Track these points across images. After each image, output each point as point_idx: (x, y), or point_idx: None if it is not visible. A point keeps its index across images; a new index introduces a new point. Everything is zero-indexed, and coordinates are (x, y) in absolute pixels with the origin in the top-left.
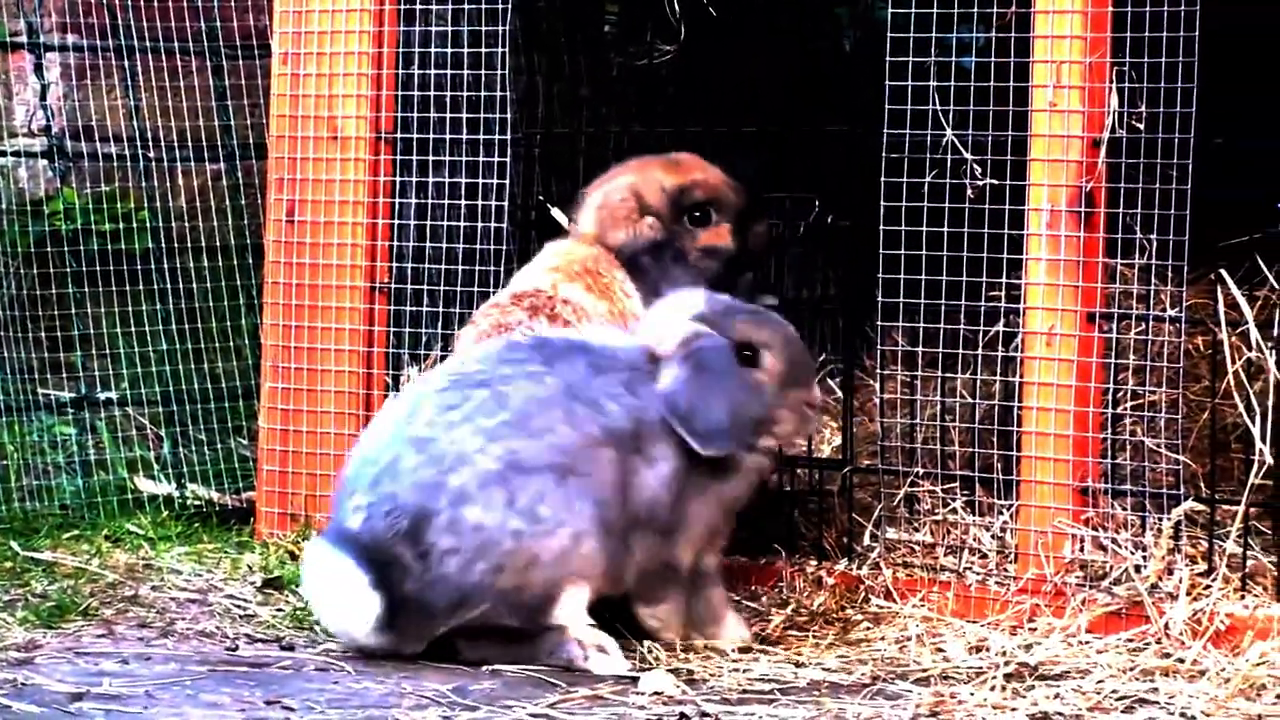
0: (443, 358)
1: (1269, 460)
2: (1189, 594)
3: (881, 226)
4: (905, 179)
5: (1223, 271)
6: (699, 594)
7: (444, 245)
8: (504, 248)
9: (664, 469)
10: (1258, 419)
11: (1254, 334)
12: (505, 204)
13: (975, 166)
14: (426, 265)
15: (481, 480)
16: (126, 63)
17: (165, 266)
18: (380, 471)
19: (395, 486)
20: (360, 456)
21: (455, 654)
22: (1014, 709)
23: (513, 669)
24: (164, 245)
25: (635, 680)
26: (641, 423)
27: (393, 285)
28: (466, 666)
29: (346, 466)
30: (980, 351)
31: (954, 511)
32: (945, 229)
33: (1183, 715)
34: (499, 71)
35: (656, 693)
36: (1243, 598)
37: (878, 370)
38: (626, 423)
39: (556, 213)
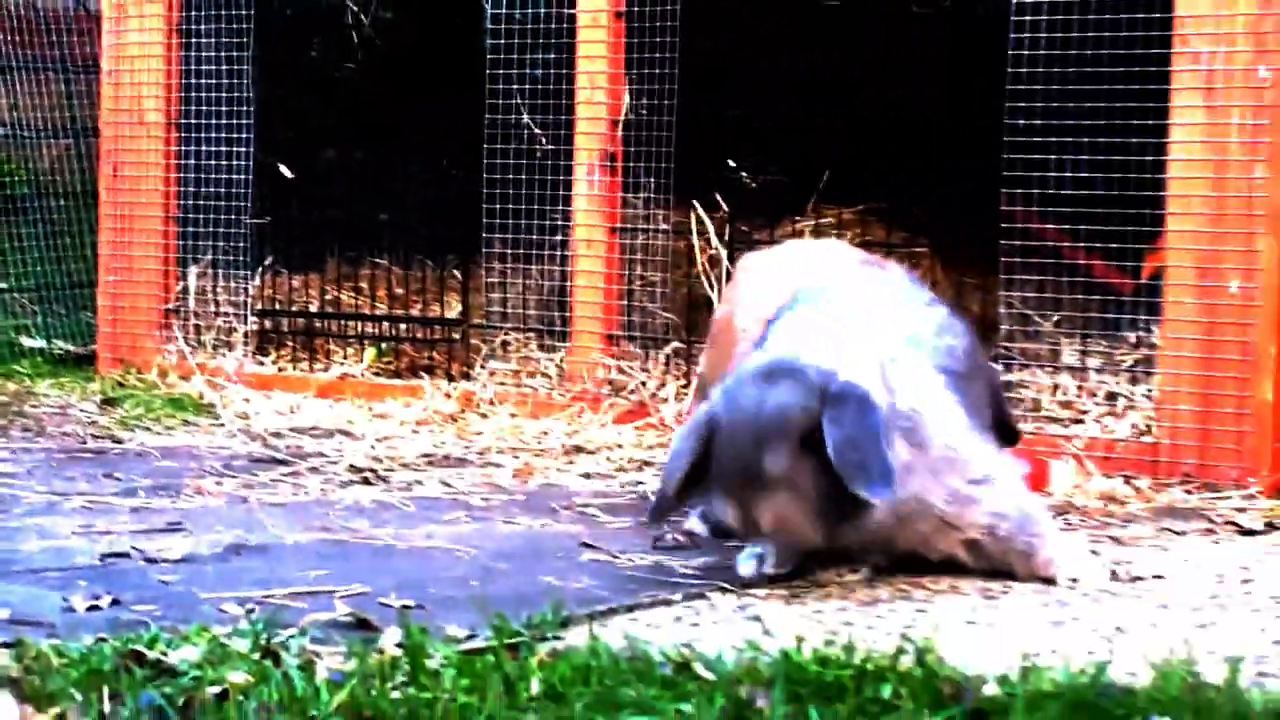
0: None
1: None
2: (675, 398)
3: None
4: None
5: (695, 202)
6: None
7: (202, 190)
8: (246, 192)
9: None
10: (717, 292)
11: (713, 239)
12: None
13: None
14: (194, 201)
15: None
16: (6, 76)
17: (37, 204)
18: None
19: None
20: None
21: None
22: (569, 471)
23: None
24: (34, 192)
25: None
26: None
27: (180, 215)
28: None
29: None
30: (547, 252)
31: (532, 350)
32: (524, 177)
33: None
34: (245, 81)
35: (353, 466)
36: None
37: (483, 265)
38: None
39: (284, 169)
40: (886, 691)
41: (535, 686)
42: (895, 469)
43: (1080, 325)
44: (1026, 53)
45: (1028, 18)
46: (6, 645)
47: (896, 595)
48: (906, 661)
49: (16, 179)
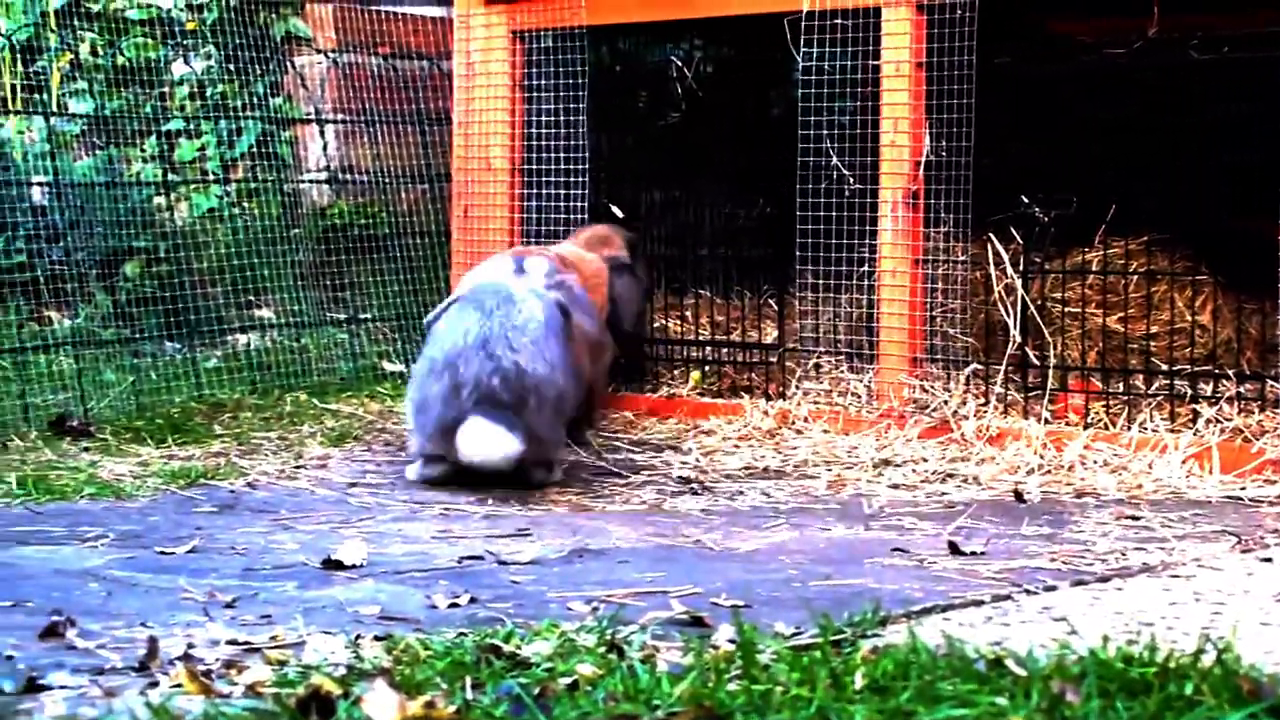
0: None
1: (1018, 340)
2: (975, 415)
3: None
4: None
5: (991, 235)
6: None
7: (543, 229)
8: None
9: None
10: (1012, 318)
11: (1009, 270)
12: (582, 204)
13: (850, 178)
14: (536, 239)
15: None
16: (371, 129)
17: (395, 244)
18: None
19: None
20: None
21: None
22: (879, 482)
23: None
24: (394, 232)
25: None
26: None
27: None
28: None
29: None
30: (855, 281)
31: (842, 372)
32: (834, 213)
33: (975, 481)
34: (580, 130)
35: (681, 478)
36: (1005, 417)
37: (797, 294)
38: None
39: (615, 209)
40: (1189, 689)
41: (859, 680)
42: None
43: None
44: None
45: None
46: (379, 638)
47: (1191, 597)
48: (1207, 660)
49: (379, 220)
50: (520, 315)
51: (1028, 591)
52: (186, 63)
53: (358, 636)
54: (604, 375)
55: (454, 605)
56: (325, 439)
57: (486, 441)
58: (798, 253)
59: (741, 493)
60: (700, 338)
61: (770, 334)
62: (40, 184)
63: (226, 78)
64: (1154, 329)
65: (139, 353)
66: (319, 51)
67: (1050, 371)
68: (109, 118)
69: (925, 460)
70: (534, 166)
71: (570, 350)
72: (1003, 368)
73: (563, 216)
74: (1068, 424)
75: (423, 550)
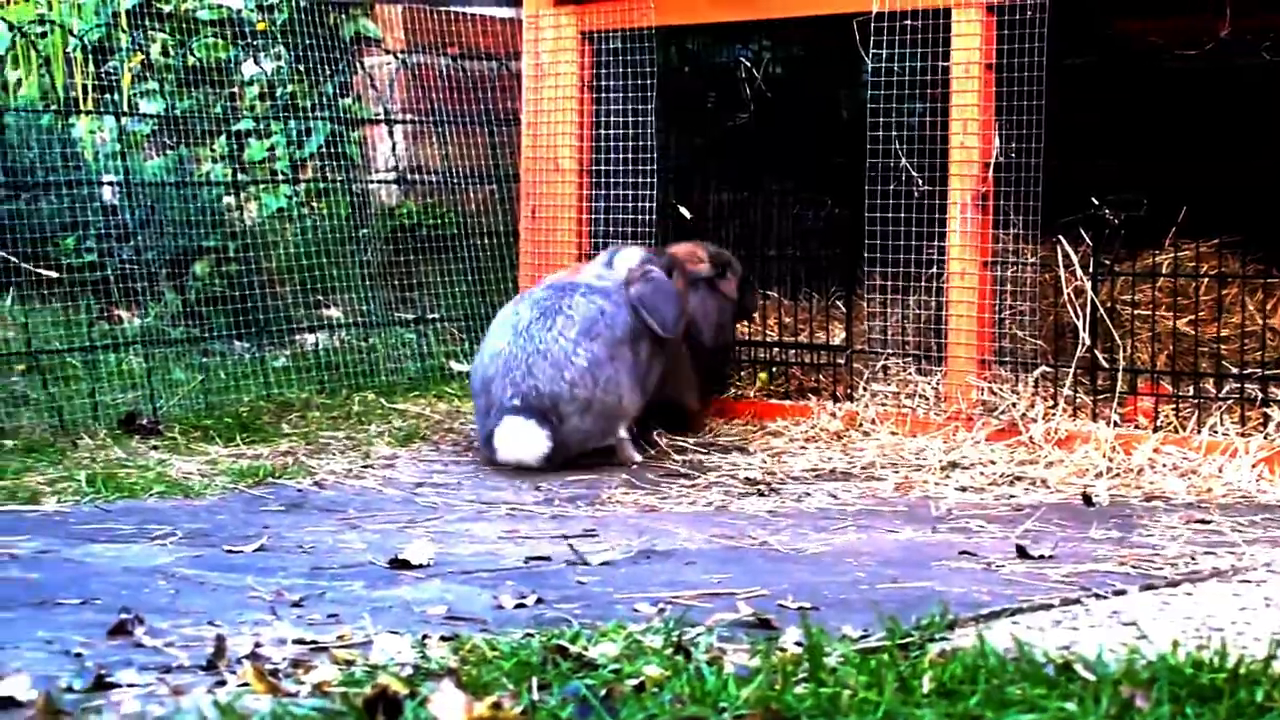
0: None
1: (1087, 343)
2: (1043, 418)
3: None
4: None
5: (1060, 237)
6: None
7: (611, 230)
8: (650, 231)
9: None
10: (1081, 320)
11: (1079, 272)
12: (650, 205)
13: (919, 179)
14: (604, 240)
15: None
16: (440, 129)
17: (463, 244)
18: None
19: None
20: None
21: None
22: (947, 484)
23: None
24: (462, 232)
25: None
26: (635, 329)
27: (592, 253)
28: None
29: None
30: (923, 283)
31: (910, 374)
32: (903, 215)
33: (1043, 484)
34: (649, 130)
35: (748, 480)
36: (1074, 420)
37: (865, 296)
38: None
39: (683, 210)
40: (1259, 695)
41: (927, 684)
42: None
43: None
44: None
45: None
46: (445, 639)
47: (1261, 603)
48: (1278, 666)
49: (446, 220)
50: (556, 327)
51: (1096, 596)
52: (256, 63)
53: (424, 636)
54: (687, 372)
55: (520, 605)
56: (392, 439)
57: (518, 443)
58: (866, 254)
59: (808, 494)
60: (768, 339)
61: (838, 335)
62: (111, 183)
63: (296, 78)
64: (1224, 332)
65: (208, 352)
66: (388, 52)
67: (1120, 374)
68: (179, 118)
69: (993, 463)
70: (602, 167)
71: (626, 349)
72: (1072, 370)
73: (630, 217)
74: (1137, 427)
75: (490, 550)
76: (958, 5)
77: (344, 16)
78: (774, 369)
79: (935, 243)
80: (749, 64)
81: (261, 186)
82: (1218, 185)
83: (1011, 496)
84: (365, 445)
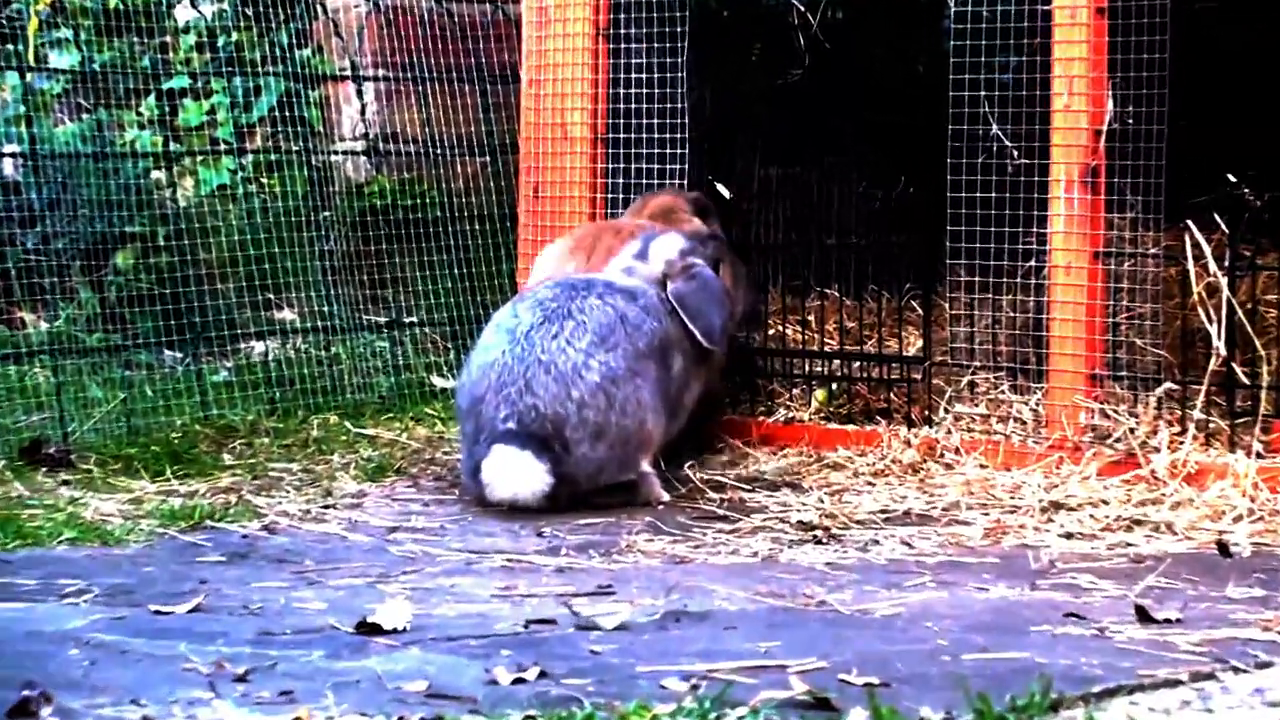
0: None
1: (1223, 353)
2: (1169, 447)
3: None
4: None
5: (1189, 222)
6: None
7: None
8: None
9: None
10: (1215, 325)
11: (1212, 265)
12: (681, 182)
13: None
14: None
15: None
16: (419, 88)
17: (448, 230)
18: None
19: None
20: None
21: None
22: (1048, 530)
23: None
24: (447, 215)
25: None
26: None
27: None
28: None
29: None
30: (1019, 280)
31: (1002, 392)
32: (993, 195)
33: (1169, 530)
34: (679, 90)
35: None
36: (1207, 450)
37: (947, 295)
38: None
39: (722, 188)
40: None
41: None
42: None
43: None
44: None
45: None
46: None
47: None
48: None
49: (428, 201)
50: (563, 333)
51: (1235, 669)
52: (193, 5)
53: (400, 719)
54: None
55: (519, 680)
56: (360, 472)
57: (511, 478)
58: (948, 243)
59: (877, 542)
60: (826, 349)
61: (914, 345)
62: (12, 155)
63: (242, 24)
64: None
65: (132, 364)
66: None
67: (1264, 393)
68: (97, 73)
69: (1106, 503)
70: (621, 135)
71: (652, 362)
72: (1204, 388)
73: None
74: None
75: (481, 611)
76: None
77: None
78: (834, 386)
79: (1034, 229)
80: (803, 8)
81: (199, 159)
82: None
83: (1129, 545)
84: (326, 480)
